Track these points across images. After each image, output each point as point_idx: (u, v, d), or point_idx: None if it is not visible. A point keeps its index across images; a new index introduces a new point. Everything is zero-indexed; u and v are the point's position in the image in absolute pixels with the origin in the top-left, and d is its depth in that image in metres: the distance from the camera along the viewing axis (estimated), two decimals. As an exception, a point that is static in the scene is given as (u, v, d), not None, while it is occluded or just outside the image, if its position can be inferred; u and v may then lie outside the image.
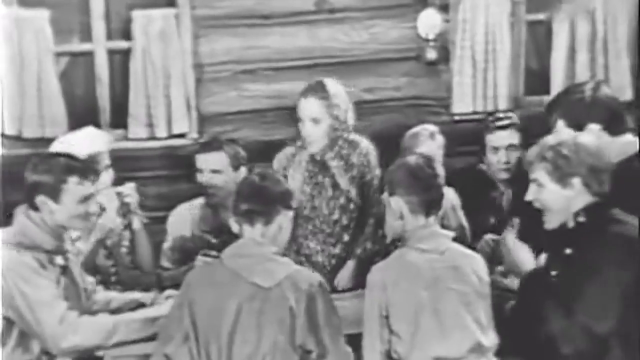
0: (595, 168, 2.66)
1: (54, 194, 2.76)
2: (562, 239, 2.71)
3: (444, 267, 2.65)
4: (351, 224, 3.56)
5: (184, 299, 2.60)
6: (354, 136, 3.54)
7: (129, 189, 3.52)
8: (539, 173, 2.71)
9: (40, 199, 2.77)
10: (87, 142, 3.41)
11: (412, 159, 2.78)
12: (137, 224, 3.52)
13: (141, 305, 3.05)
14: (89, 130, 3.65)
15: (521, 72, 4.54)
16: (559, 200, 2.69)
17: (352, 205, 3.54)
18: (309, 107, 3.42)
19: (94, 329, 2.75)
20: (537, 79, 4.57)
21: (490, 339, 2.69)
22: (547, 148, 2.71)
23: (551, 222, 2.74)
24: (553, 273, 2.69)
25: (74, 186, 2.78)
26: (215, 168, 3.54)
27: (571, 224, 2.70)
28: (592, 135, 2.81)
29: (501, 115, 3.85)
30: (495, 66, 4.43)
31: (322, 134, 3.43)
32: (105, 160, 3.46)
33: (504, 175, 3.76)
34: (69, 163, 2.83)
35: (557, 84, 4.46)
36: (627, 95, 4.48)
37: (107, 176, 3.45)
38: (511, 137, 3.73)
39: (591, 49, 4.48)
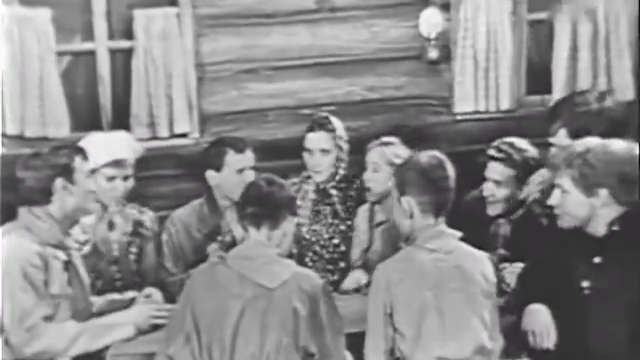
0: (627, 178, 2.61)
1: (69, 174, 2.89)
2: (591, 247, 2.69)
3: (449, 267, 2.63)
4: (349, 251, 3.69)
5: (186, 300, 2.61)
6: (347, 172, 3.77)
7: (148, 221, 3.55)
8: (564, 179, 2.67)
9: (58, 182, 2.87)
10: (115, 146, 3.44)
11: (423, 159, 2.73)
12: (149, 248, 3.55)
13: (129, 303, 3.10)
14: (120, 135, 3.67)
15: (523, 71, 4.52)
16: (583, 207, 2.66)
17: (351, 234, 3.71)
18: (318, 139, 3.69)
19: (58, 336, 2.79)
20: (539, 78, 4.55)
21: (495, 341, 2.68)
22: (575, 155, 2.66)
23: (567, 222, 2.72)
24: (585, 284, 2.68)
25: (80, 164, 2.94)
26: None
27: (601, 233, 2.68)
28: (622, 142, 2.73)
29: (498, 144, 3.47)
30: (497, 65, 4.41)
31: (329, 164, 3.70)
32: (128, 170, 3.46)
33: (490, 210, 3.47)
34: (68, 147, 3.00)
35: (559, 83, 4.44)
36: (629, 95, 4.46)
37: (124, 185, 3.44)
38: (497, 171, 3.41)
39: (593, 48, 4.45)
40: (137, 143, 3.67)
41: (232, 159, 3.54)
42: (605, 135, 2.88)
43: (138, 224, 3.51)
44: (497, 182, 3.42)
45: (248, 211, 2.66)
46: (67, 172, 2.90)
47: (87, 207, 3.01)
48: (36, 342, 2.76)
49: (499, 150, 3.44)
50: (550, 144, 3.14)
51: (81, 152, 2.99)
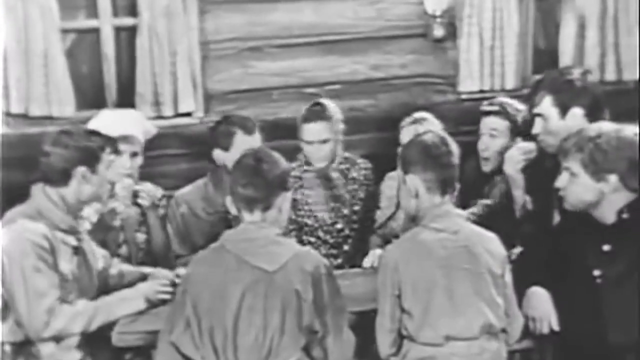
0: (635, 163, 2.60)
1: (93, 164, 2.89)
2: (600, 235, 2.68)
3: (456, 247, 2.63)
4: (353, 234, 3.68)
5: (185, 285, 2.60)
6: (348, 154, 3.74)
7: (145, 192, 3.54)
8: (573, 163, 2.66)
9: (80, 170, 2.86)
10: (124, 122, 3.46)
11: (426, 136, 2.73)
12: (152, 220, 3.56)
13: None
14: (132, 113, 3.69)
15: (529, 49, 4.47)
16: (591, 192, 2.65)
17: (354, 217, 3.69)
18: (318, 131, 3.59)
19: (75, 315, 2.81)
20: (546, 57, 4.51)
21: (513, 319, 2.69)
22: (586, 139, 2.64)
23: (572, 206, 2.71)
24: (596, 273, 2.67)
25: (107, 155, 2.94)
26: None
27: (610, 220, 2.67)
28: (612, 125, 2.73)
29: (490, 101, 3.63)
30: (503, 43, 4.36)
31: (330, 151, 3.63)
32: (135, 147, 3.47)
33: (484, 166, 3.57)
34: (103, 135, 2.98)
35: (566, 61, 4.40)
36: (638, 73, 4.43)
37: (131, 162, 3.46)
38: (492, 123, 3.53)
39: (601, 25, 4.40)
40: (149, 124, 3.67)
41: (241, 140, 3.53)
42: (587, 110, 2.94)
43: (136, 193, 3.52)
44: (492, 135, 3.53)
45: (239, 194, 2.59)
46: (93, 160, 2.88)
47: (102, 196, 3.01)
48: (55, 323, 2.77)
49: (492, 104, 3.58)
50: (538, 115, 3.11)
51: (113, 144, 2.99)
